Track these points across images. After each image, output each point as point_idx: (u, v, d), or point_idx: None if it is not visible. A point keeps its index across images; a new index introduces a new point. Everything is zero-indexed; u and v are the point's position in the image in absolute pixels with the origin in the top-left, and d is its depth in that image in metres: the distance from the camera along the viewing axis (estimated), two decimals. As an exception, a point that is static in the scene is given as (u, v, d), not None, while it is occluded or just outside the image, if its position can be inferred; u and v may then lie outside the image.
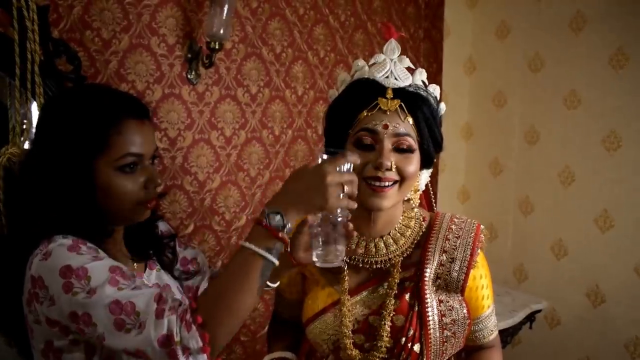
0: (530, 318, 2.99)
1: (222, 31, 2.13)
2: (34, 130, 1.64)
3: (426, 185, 1.42)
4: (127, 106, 1.22)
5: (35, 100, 1.60)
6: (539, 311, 3.03)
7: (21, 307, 1.14)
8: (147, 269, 1.36)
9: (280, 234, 1.04)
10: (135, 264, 1.32)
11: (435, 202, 3.42)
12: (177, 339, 0.98)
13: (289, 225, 1.05)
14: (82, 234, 1.15)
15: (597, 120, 2.93)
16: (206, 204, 2.37)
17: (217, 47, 2.16)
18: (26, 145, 1.63)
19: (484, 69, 3.50)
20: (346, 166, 1.07)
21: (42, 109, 1.30)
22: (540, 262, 3.24)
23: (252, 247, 1.03)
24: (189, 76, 2.25)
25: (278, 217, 1.04)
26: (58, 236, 1.12)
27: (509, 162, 3.39)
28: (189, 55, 2.23)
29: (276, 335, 1.56)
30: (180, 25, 2.21)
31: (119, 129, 1.16)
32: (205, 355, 1.00)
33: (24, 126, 1.66)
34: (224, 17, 2.12)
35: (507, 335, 2.85)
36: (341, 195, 1.05)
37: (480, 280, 1.35)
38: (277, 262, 1.05)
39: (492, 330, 1.42)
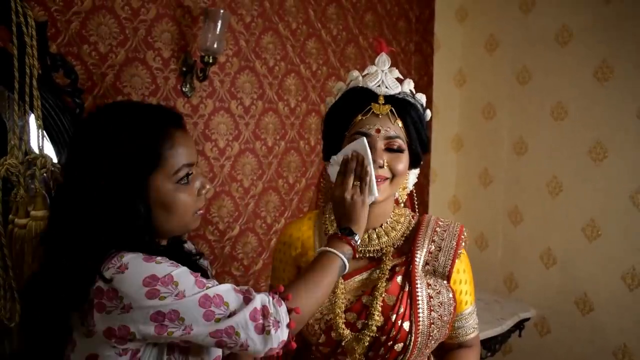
0: (520, 326, 3.03)
1: (216, 45, 2.19)
2: (31, 141, 1.70)
3: (411, 191, 1.53)
4: (169, 118, 1.23)
5: (32, 112, 1.64)
6: (527, 319, 3.07)
7: (62, 322, 1.16)
8: None
9: (352, 242, 1.29)
10: None
11: (426, 212, 3.48)
12: (271, 310, 1.11)
13: (357, 237, 1.31)
14: (140, 251, 1.14)
15: (583, 131, 2.98)
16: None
17: (211, 60, 2.22)
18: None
19: (474, 81, 3.56)
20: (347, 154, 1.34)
21: (80, 130, 1.26)
22: (529, 271, 3.28)
23: (334, 251, 1.27)
24: (183, 89, 2.31)
25: (349, 231, 1.30)
26: (124, 252, 1.12)
27: (498, 173, 3.44)
28: (184, 69, 2.29)
29: None
30: (175, 39, 2.27)
31: (171, 142, 1.17)
32: (288, 331, 1.14)
33: (23, 138, 1.70)
34: (217, 32, 2.18)
35: (496, 343, 2.88)
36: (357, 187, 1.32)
37: (463, 274, 1.46)
38: (348, 265, 1.29)
39: (473, 328, 1.51)
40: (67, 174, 1.21)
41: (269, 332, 1.11)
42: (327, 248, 1.28)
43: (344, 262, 1.27)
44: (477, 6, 3.50)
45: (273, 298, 1.14)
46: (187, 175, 1.20)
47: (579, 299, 3.05)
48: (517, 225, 3.34)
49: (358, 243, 1.30)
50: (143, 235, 1.16)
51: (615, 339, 2.91)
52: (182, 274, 1.11)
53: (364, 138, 1.33)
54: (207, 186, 1.26)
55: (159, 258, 1.12)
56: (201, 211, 1.27)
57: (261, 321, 1.11)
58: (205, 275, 1.36)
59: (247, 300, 1.12)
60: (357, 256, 1.36)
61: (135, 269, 1.08)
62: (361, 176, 1.31)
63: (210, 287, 1.11)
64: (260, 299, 1.13)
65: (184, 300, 1.07)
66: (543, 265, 3.20)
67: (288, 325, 1.14)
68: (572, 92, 3.02)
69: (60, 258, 1.14)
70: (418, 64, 3.39)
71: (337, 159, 1.37)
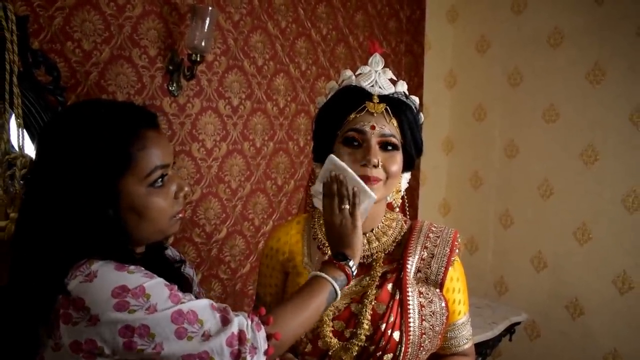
0: (510, 330, 3.00)
1: (203, 43, 2.14)
2: (12, 140, 1.65)
3: (403, 195, 1.48)
4: (142, 117, 1.15)
5: (13, 111, 1.59)
6: (518, 323, 3.05)
7: (31, 336, 1.08)
8: None
9: (346, 269, 1.22)
10: None
11: (416, 214, 3.46)
12: (249, 336, 1.04)
13: (351, 263, 1.23)
14: (111, 259, 1.07)
15: (575, 134, 2.97)
16: (186, 216, 2.37)
17: (198, 59, 2.17)
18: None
19: (465, 83, 3.54)
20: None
21: (45, 130, 1.19)
22: (520, 274, 3.26)
23: (324, 275, 1.20)
24: (170, 88, 2.25)
25: (342, 256, 1.23)
26: (95, 259, 1.05)
27: (489, 176, 3.42)
28: (171, 67, 2.23)
29: None
30: (162, 37, 2.21)
31: (142, 143, 1.09)
32: (265, 358, 1.07)
33: (2, 137, 1.65)
34: (205, 30, 2.13)
35: (486, 348, 2.86)
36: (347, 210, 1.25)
37: (457, 282, 1.41)
38: (339, 293, 1.21)
39: (467, 339, 1.45)
40: (33, 176, 1.13)
41: (244, 359, 1.04)
42: (319, 272, 1.21)
43: (335, 289, 1.19)
44: (468, 7, 3.49)
45: (252, 321, 1.07)
46: (162, 177, 1.12)
47: (570, 302, 3.04)
48: (507, 228, 3.32)
49: (354, 269, 1.23)
50: (113, 243, 1.08)
51: (606, 343, 2.90)
52: (156, 286, 1.03)
53: (331, 155, 1.27)
54: (186, 188, 1.18)
55: (132, 267, 1.05)
56: (180, 215, 1.19)
57: (237, 347, 1.04)
58: (188, 284, 1.31)
59: (224, 321, 1.05)
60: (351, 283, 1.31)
61: (105, 278, 1.01)
62: (347, 197, 1.25)
63: (184, 302, 1.04)
64: (237, 323, 1.05)
65: (155, 315, 1.00)
66: (534, 268, 3.19)
67: (265, 352, 1.07)
68: (564, 94, 3.01)
69: (24, 266, 1.08)
70: (408, 65, 3.36)
71: (317, 188, 1.31)
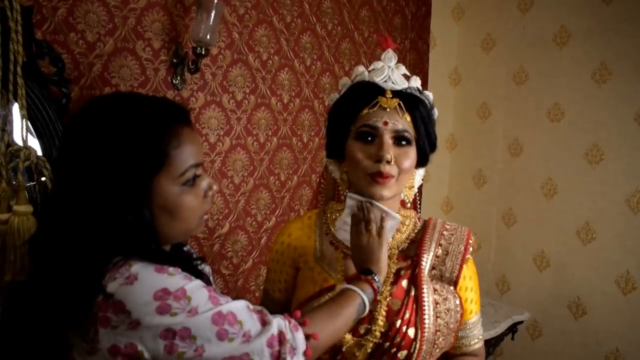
0: (513, 329, 3.00)
1: (208, 37, 2.12)
2: (14, 131, 1.63)
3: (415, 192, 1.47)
4: (176, 113, 1.11)
5: (16, 102, 1.57)
6: (520, 322, 3.04)
7: (59, 339, 1.04)
8: None
9: (373, 283, 1.23)
10: None
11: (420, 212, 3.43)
12: (288, 337, 1.04)
13: (377, 278, 1.24)
14: (148, 260, 1.04)
15: (580, 133, 2.96)
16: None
17: (203, 52, 2.15)
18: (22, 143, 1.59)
19: (469, 81, 3.53)
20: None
21: (75, 124, 1.12)
22: (522, 273, 3.25)
23: (354, 288, 1.20)
24: (174, 81, 2.23)
25: (368, 271, 1.25)
26: (134, 260, 1.02)
27: (492, 174, 3.40)
28: (175, 60, 2.21)
29: None
30: (166, 29, 2.19)
31: (177, 141, 1.07)
32: (304, 359, 1.07)
33: (5, 128, 1.63)
34: (210, 23, 2.10)
35: (489, 346, 2.85)
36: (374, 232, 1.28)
37: (470, 281, 1.41)
38: (368, 306, 1.22)
39: (477, 339, 1.44)
40: (59, 176, 1.09)
41: None
42: (349, 285, 1.21)
43: (364, 301, 1.20)
44: (474, 5, 3.47)
45: (290, 322, 1.08)
46: (195, 177, 1.10)
47: (572, 302, 3.03)
48: (510, 227, 3.31)
49: (380, 284, 1.24)
50: (148, 242, 1.06)
51: (608, 343, 2.89)
52: (196, 288, 1.02)
53: (349, 193, 1.33)
54: (214, 187, 1.16)
55: (171, 269, 1.03)
56: (207, 215, 1.17)
57: (277, 348, 1.03)
58: (208, 282, 1.27)
59: (263, 322, 1.05)
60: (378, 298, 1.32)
61: (146, 281, 0.99)
62: (374, 220, 1.28)
63: (223, 304, 1.03)
64: (277, 324, 1.05)
65: (196, 318, 0.99)
66: (536, 268, 3.18)
67: (304, 353, 1.07)
68: (570, 93, 2.99)
69: (56, 268, 1.03)
70: (413, 62, 3.34)
71: (341, 222, 1.36)
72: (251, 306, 1.07)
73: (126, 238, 1.03)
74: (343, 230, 1.36)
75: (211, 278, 1.37)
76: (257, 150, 2.59)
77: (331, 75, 2.84)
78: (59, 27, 1.91)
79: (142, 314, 0.97)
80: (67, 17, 1.92)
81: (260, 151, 2.60)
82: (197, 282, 1.04)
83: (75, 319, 1.01)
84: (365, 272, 1.24)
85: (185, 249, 1.31)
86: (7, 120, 1.61)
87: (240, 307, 1.05)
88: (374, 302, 1.26)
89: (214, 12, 2.10)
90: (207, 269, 1.35)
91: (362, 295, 1.19)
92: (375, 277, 1.23)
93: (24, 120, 1.57)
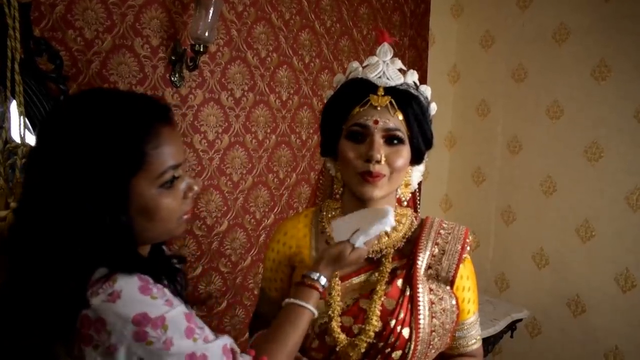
0: (512, 327, 3.00)
1: (207, 34, 2.11)
2: (12, 128, 1.62)
3: (414, 190, 1.46)
4: (156, 111, 1.06)
5: (14, 98, 1.57)
6: (520, 320, 3.04)
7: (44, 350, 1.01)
8: None
9: (319, 287, 1.23)
10: None
11: (417, 209, 3.43)
12: None
13: (318, 277, 1.24)
14: (126, 269, 1.00)
15: (579, 130, 2.95)
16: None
17: (201, 49, 2.14)
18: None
19: (468, 78, 3.52)
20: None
21: (49, 121, 1.07)
22: (521, 271, 3.25)
23: (300, 303, 1.21)
24: (172, 79, 2.23)
25: (320, 277, 1.24)
26: (121, 274, 0.98)
27: (491, 171, 3.40)
28: (173, 58, 2.21)
29: (258, 330, 1.53)
30: (165, 27, 2.19)
31: (156, 142, 1.01)
32: None
33: (3, 125, 1.63)
34: (209, 20, 2.10)
35: (488, 344, 2.85)
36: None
37: (467, 281, 1.38)
38: (316, 312, 1.23)
39: (475, 339, 1.42)
40: (32, 175, 1.04)
41: None
42: (294, 301, 1.22)
43: (311, 311, 1.21)
44: (473, 2, 3.46)
45: None
46: (173, 178, 1.05)
47: (571, 300, 3.03)
48: (509, 224, 3.31)
49: (324, 283, 1.24)
50: (126, 250, 1.02)
51: (607, 340, 2.89)
52: (175, 318, 0.99)
53: (332, 222, 1.34)
54: (195, 187, 1.11)
55: (155, 290, 0.99)
56: (187, 215, 1.12)
57: None
58: (186, 282, 1.27)
59: None
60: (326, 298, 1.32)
61: (128, 301, 0.96)
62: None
63: (198, 340, 1.01)
64: None
65: (169, 351, 0.96)
66: (535, 265, 3.17)
67: None
68: (569, 91, 2.99)
69: (35, 278, 0.98)
70: (412, 59, 3.33)
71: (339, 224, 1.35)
72: (229, 345, 1.07)
73: (103, 244, 0.99)
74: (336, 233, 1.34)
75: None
76: (255, 147, 2.58)
77: (330, 72, 2.84)
78: (57, 24, 1.90)
79: (120, 338, 0.95)
80: (65, 14, 1.92)
81: (258, 149, 2.60)
82: (178, 310, 1.01)
83: (59, 333, 0.98)
84: (309, 275, 1.24)
85: (163, 247, 1.27)
86: (5, 117, 1.62)
87: (215, 353, 1.03)
88: (325, 296, 1.31)
89: (212, 9, 2.10)
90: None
91: (308, 307, 1.20)
92: (318, 278, 1.23)
93: (22, 117, 1.57)
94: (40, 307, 0.98)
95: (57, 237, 0.98)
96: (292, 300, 1.21)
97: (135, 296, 0.97)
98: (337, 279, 1.33)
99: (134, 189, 1.00)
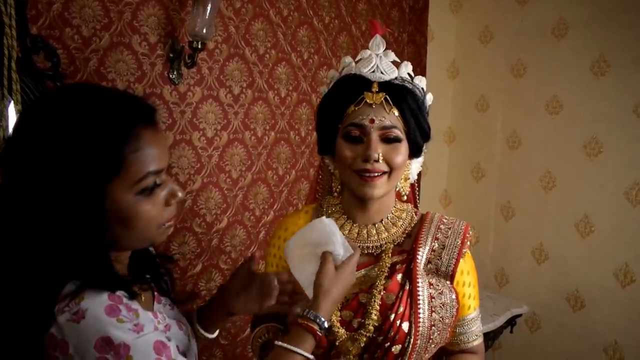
0: (511, 322, 3.00)
1: (204, 31, 2.11)
2: (10, 127, 1.62)
3: (412, 183, 1.46)
4: (138, 111, 0.98)
5: (11, 97, 1.56)
6: (519, 315, 3.04)
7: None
8: (155, 302, 1.17)
9: (318, 331, 1.13)
10: (143, 296, 1.10)
11: (416, 205, 3.42)
12: None
13: (321, 321, 1.14)
14: (90, 281, 0.93)
15: (578, 126, 2.95)
16: (187, 206, 2.34)
17: (199, 46, 2.14)
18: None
19: (467, 73, 3.51)
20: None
21: (24, 117, 1.00)
22: (521, 266, 3.25)
23: (293, 349, 1.10)
24: (170, 76, 2.22)
25: (318, 317, 1.13)
26: (89, 291, 0.91)
27: (490, 167, 3.40)
28: (171, 55, 2.20)
29: (259, 324, 1.52)
30: (162, 24, 2.18)
31: (136, 145, 0.94)
32: None
33: (1, 124, 1.62)
34: (207, 17, 2.09)
35: (488, 340, 2.85)
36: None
37: (467, 276, 1.38)
38: (312, 357, 1.12)
39: (476, 336, 1.42)
40: (5, 176, 0.95)
41: None
42: (287, 346, 1.10)
43: (307, 357, 1.11)
44: (472, -3, 3.45)
45: None
46: (154, 185, 0.99)
47: (571, 295, 3.03)
48: (509, 220, 3.31)
49: (324, 329, 1.15)
50: (96, 262, 0.94)
51: (607, 335, 2.89)
52: (141, 348, 0.91)
53: (287, 243, 1.26)
54: (179, 194, 1.03)
55: (123, 313, 0.92)
56: (170, 222, 1.05)
57: None
58: (172, 281, 1.22)
59: None
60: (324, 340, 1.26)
61: (91, 322, 0.89)
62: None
63: None
64: None
65: None
66: (535, 260, 3.17)
67: None
68: (568, 86, 2.98)
69: (3, 290, 0.92)
70: (411, 55, 3.32)
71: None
72: None
73: (73, 255, 0.92)
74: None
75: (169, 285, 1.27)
76: (254, 144, 2.58)
77: (329, 68, 2.83)
78: (54, 22, 1.89)
79: None
80: (62, 12, 1.91)
81: (258, 145, 2.59)
82: (147, 338, 0.93)
83: (26, 352, 0.92)
84: (307, 315, 1.14)
85: (150, 248, 1.21)
86: (2, 115, 1.61)
87: None
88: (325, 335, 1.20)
89: (210, 5, 2.09)
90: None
91: (300, 352, 1.10)
92: (320, 322, 1.13)
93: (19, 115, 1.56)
94: (6, 322, 0.92)
95: (24, 247, 0.92)
96: (282, 344, 1.10)
97: (100, 317, 0.90)
98: None
99: (110, 194, 0.93)
